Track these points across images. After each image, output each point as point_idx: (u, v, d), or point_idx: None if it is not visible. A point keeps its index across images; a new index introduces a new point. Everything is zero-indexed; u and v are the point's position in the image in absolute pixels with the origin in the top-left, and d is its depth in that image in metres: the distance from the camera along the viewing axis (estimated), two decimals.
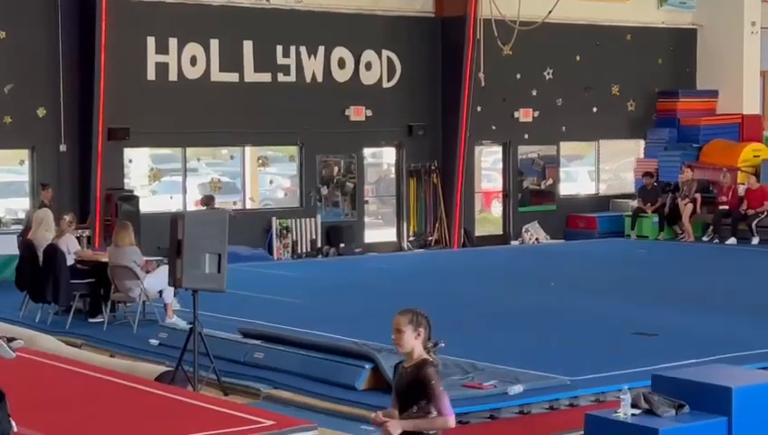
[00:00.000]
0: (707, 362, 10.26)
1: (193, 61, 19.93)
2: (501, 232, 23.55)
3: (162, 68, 19.67)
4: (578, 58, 24.17)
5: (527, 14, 21.33)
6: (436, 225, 22.50)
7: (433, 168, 22.46)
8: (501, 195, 23.79)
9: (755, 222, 21.82)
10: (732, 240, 21.95)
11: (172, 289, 12.44)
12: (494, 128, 23.20)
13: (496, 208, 23.99)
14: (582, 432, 7.85)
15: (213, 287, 10.11)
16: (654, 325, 12.99)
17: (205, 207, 17.52)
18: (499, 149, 23.73)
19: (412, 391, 5.87)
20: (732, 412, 7.45)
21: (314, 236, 21.12)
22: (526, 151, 23.91)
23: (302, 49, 21.02)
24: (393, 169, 22.63)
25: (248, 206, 20.91)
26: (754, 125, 24.99)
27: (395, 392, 6.02)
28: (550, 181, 24.17)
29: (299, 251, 20.91)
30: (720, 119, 24.96)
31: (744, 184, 22.68)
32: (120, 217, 17.67)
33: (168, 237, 10.30)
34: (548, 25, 21.85)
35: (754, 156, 23.79)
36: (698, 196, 22.72)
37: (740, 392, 7.50)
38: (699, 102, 25.33)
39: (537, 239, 23.37)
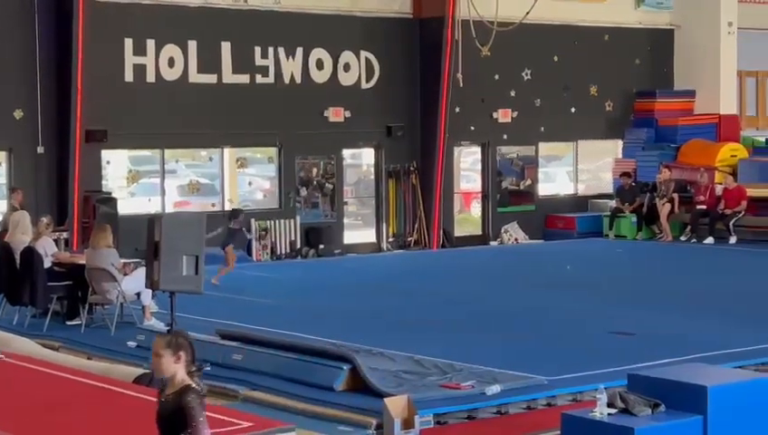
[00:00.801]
0: (683, 361, 10.31)
1: (171, 62, 19.89)
2: (480, 232, 23.58)
3: (140, 70, 19.62)
4: (556, 59, 24.23)
5: (505, 14, 21.38)
6: (416, 225, 22.52)
7: (412, 168, 22.48)
8: (480, 195, 23.83)
9: (733, 221, 21.93)
10: (709, 240, 22.05)
11: (150, 291, 12.40)
12: (472, 128, 23.24)
13: (475, 209, 24.02)
14: (559, 432, 7.88)
15: (190, 289, 10.10)
16: (631, 325, 13.05)
17: (231, 221, 17.44)
18: (478, 149, 23.77)
19: (174, 420, 5.41)
20: (707, 411, 7.48)
21: (293, 238, 21.11)
22: (505, 152, 23.96)
23: (281, 50, 21.01)
24: (372, 170, 22.64)
25: (227, 207, 20.85)
26: (731, 125, 25.11)
27: (156, 422, 5.55)
28: (529, 182, 24.23)
29: (278, 252, 20.89)
30: (697, 119, 25.07)
31: (721, 184, 22.78)
32: (97, 219, 17.61)
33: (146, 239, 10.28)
34: (526, 26, 21.91)
35: (732, 156, 23.90)
36: (676, 195, 22.82)
37: (715, 391, 7.54)
38: (677, 103, 25.44)
39: (516, 240, 23.42)
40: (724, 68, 25.14)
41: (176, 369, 5.47)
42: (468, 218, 24.05)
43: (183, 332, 5.74)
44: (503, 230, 23.45)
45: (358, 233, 22.44)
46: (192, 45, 20.05)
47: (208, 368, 5.58)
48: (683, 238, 22.60)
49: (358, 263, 20.39)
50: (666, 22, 25.90)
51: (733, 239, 21.81)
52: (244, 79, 20.63)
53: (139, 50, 19.59)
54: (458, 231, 23.33)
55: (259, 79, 20.80)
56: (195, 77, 20.13)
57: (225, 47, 20.39)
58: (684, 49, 25.64)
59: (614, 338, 12.39)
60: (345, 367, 9.92)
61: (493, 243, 23.29)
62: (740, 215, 21.99)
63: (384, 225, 22.40)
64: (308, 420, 9.21)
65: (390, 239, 22.40)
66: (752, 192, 22.22)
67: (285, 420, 8.35)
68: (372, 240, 22.39)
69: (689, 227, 22.65)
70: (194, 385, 5.46)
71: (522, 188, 24.16)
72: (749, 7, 26.59)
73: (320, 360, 10.25)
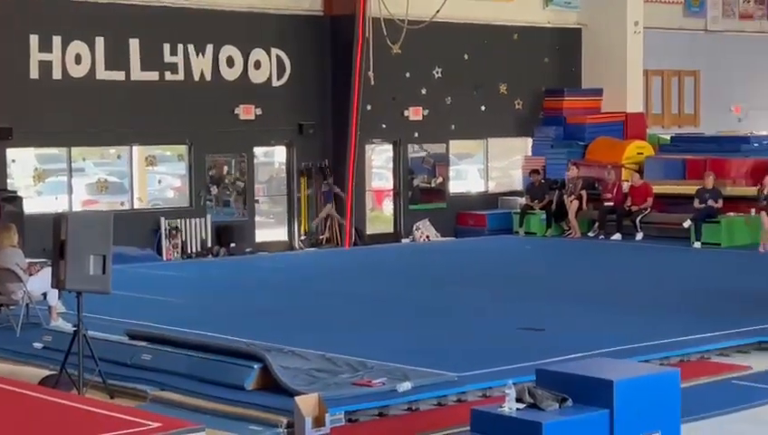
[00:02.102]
0: (591, 356, 10.45)
1: (78, 59, 19.60)
2: (392, 230, 23.66)
3: (46, 66, 19.30)
4: (466, 57, 24.41)
5: (415, 13, 21.48)
6: (328, 224, 22.50)
7: (324, 166, 22.46)
8: (392, 193, 23.90)
9: (639, 218, 22.30)
10: (617, 236, 22.39)
11: (56, 291, 12.21)
12: (384, 126, 23.31)
13: (387, 207, 24.09)
14: (469, 428, 7.93)
15: (97, 289, 9.95)
16: (540, 321, 13.20)
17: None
18: (389, 147, 23.84)
19: None
20: (614, 405, 7.59)
21: (204, 236, 20.96)
22: (417, 150, 24.06)
23: (190, 47, 20.83)
24: (284, 168, 22.57)
25: (136, 206, 20.64)
26: (638, 123, 25.55)
27: None
28: (440, 179, 24.37)
29: (189, 251, 20.72)
30: (605, 117, 25.46)
31: (628, 181, 23.13)
32: (2, 218, 17.28)
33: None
34: (436, 24, 22.04)
35: (638, 153, 24.30)
36: (584, 193, 23.14)
37: (621, 385, 7.65)
38: (584, 101, 25.80)
39: (428, 237, 23.54)
40: (631, 67, 25.57)
41: None
42: (380, 216, 24.11)
43: None
44: (414, 228, 23.56)
45: (270, 231, 22.36)
46: (99, 42, 19.79)
47: None
48: (591, 235, 22.92)
49: (269, 261, 20.32)
50: (573, 21, 26.25)
51: (639, 236, 22.17)
52: (153, 76, 20.41)
53: (45, 46, 19.27)
54: (370, 229, 23.38)
55: (168, 76, 20.60)
56: (102, 74, 19.87)
57: (134, 44, 20.15)
58: (591, 48, 26.02)
59: (523, 334, 12.51)
60: (256, 366, 9.87)
61: (405, 240, 23.38)
62: (646, 212, 22.36)
63: (296, 223, 22.35)
64: (218, 419, 9.15)
65: (302, 237, 22.36)
66: (658, 189, 22.62)
67: (195, 420, 8.27)
68: (284, 238, 22.33)
69: (597, 224, 22.98)
70: None
71: (433, 185, 24.29)
72: (655, 7, 27.09)
73: (230, 359, 10.18)
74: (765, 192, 20.34)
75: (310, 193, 22.26)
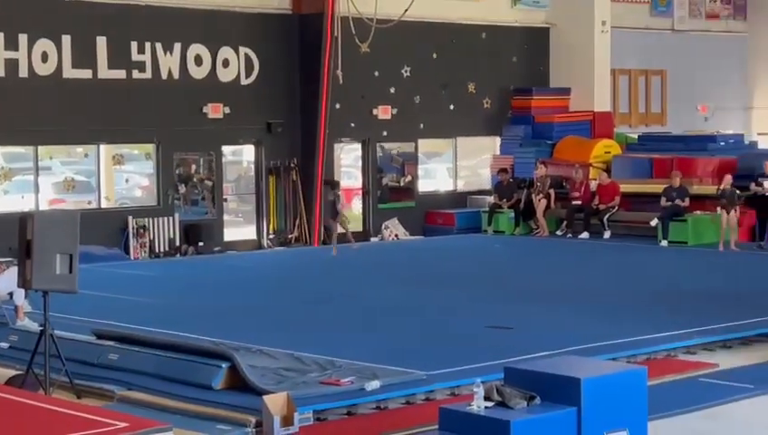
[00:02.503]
0: (559, 354, 10.50)
1: (44, 57, 19.48)
2: (361, 229, 23.65)
3: (12, 64, 19.17)
4: (434, 56, 24.45)
5: (384, 12, 21.46)
6: (297, 222, 22.47)
7: (293, 165, 22.43)
8: (361, 192, 23.90)
9: (607, 217, 22.39)
10: (585, 234, 22.48)
11: (23, 291, 12.11)
12: (352, 125, 23.30)
13: (356, 205, 24.08)
14: (437, 426, 7.94)
15: (64, 288, 9.90)
16: (509, 319, 13.24)
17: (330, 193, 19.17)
18: (358, 146, 23.84)
19: None
20: (581, 402, 7.62)
21: (172, 235, 20.87)
22: (386, 149, 24.07)
23: (158, 45, 20.75)
24: (253, 167, 22.51)
25: (103, 205, 20.53)
26: (605, 122, 25.66)
27: None
28: (409, 178, 24.40)
29: (156, 250, 20.63)
30: (572, 116, 25.56)
31: (595, 180, 23.23)
32: None
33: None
34: (405, 23, 22.03)
35: (606, 152, 24.42)
36: (552, 191, 23.22)
37: (589, 383, 7.68)
38: (552, 100, 25.89)
39: (396, 236, 23.56)
40: (598, 66, 25.68)
41: None
42: (349, 215, 24.07)
43: None
44: (383, 226, 23.58)
45: (238, 230, 22.31)
46: (66, 40, 19.67)
47: None
48: (559, 233, 23.00)
49: (238, 260, 20.26)
50: (541, 20, 26.34)
51: (607, 234, 22.27)
52: (120, 74, 20.31)
53: (11, 44, 19.14)
54: (339, 228, 23.33)
55: (136, 74, 20.51)
56: (69, 72, 19.75)
57: (101, 42, 20.05)
58: (559, 47, 26.12)
59: (492, 332, 12.54)
60: (224, 365, 9.84)
61: (373, 239, 23.39)
62: (614, 210, 22.47)
63: (265, 222, 22.30)
64: (186, 419, 9.11)
65: (271, 236, 22.32)
66: (625, 188, 22.72)
67: (163, 420, 8.24)
68: (253, 237, 22.28)
69: (565, 223, 23.07)
70: None
71: (402, 184, 24.31)
72: (622, 7, 27.23)
73: (198, 358, 10.14)
74: (722, 189, 20.47)
75: (279, 191, 22.24)
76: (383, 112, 23.76)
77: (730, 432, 9.15)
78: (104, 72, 20.11)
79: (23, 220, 9.98)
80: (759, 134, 29.30)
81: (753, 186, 20.53)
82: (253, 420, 8.94)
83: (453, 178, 25.42)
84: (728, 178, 20.62)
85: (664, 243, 21.13)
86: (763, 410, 9.70)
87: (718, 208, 20.35)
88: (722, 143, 24.45)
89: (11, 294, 12.89)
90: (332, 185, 20.03)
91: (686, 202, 21.38)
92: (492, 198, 24.21)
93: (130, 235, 20.32)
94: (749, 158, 22.74)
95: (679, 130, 26.88)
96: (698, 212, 21.34)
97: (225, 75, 21.62)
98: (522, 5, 26.03)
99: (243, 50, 21.82)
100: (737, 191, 20.56)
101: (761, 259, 18.82)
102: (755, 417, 9.52)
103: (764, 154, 23.43)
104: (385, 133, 23.85)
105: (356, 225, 23.73)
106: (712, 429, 9.19)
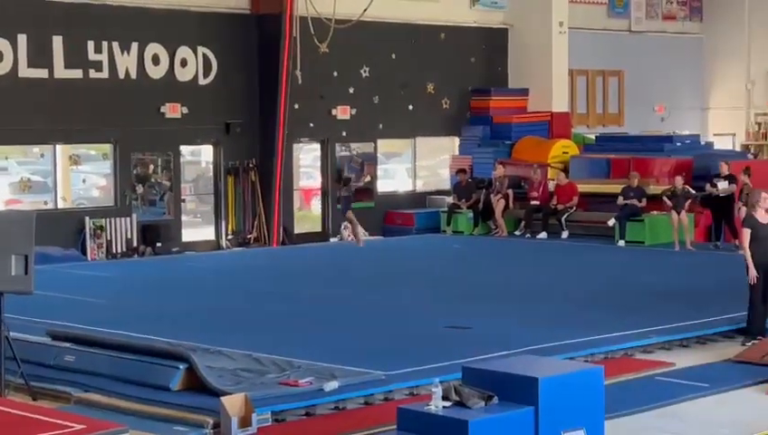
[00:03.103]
0: (517, 353, 10.54)
1: None
2: (320, 229, 23.63)
3: None
4: (393, 56, 24.47)
5: (343, 12, 21.43)
6: (255, 223, 22.41)
7: (251, 165, 22.37)
8: (320, 192, 23.87)
9: (565, 217, 22.51)
10: (543, 234, 22.59)
11: None
12: (312, 125, 23.27)
13: (315, 206, 24.06)
14: (395, 426, 7.95)
15: (20, 289, 9.80)
16: (467, 319, 13.27)
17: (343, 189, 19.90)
18: (317, 146, 23.81)
19: None
20: (539, 402, 7.66)
21: (130, 236, 20.74)
22: (345, 149, 24.06)
23: (115, 45, 20.61)
24: (211, 167, 22.42)
25: (60, 205, 20.37)
26: (563, 122, 25.81)
27: None
28: (368, 178, 24.40)
29: (114, 251, 20.49)
30: (531, 116, 25.68)
31: (553, 180, 23.36)
32: None
33: None
34: (364, 24, 22.03)
35: (563, 152, 24.57)
36: (510, 192, 23.31)
37: (546, 382, 7.72)
38: (511, 100, 26.00)
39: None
40: (556, 67, 25.81)
41: None
42: (308, 215, 24.07)
43: None
44: (342, 227, 23.54)
45: (197, 231, 22.21)
46: (22, 39, 19.49)
47: None
48: (517, 233, 23.09)
49: (196, 261, 20.17)
50: (499, 21, 26.44)
51: (565, 234, 22.39)
52: (77, 74, 20.16)
53: None
54: (298, 228, 23.33)
55: (93, 74, 20.35)
56: (25, 71, 19.58)
57: (57, 41, 19.88)
58: (517, 48, 26.24)
59: (450, 332, 12.56)
60: (181, 366, 9.80)
61: (333, 239, 23.36)
62: (571, 210, 22.59)
63: (223, 222, 22.22)
64: (143, 420, 9.07)
65: (230, 237, 22.24)
66: (583, 188, 22.86)
67: (120, 421, 8.20)
68: (211, 238, 22.19)
69: (523, 223, 23.16)
70: None
71: (361, 184, 24.30)
72: (579, 8, 27.40)
73: (155, 359, 10.09)
74: (671, 189, 20.64)
75: (237, 192, 22.19)
76: (342, 113, 23.75)
77: (686, 431, 9.22)
78: (61, 72, 19.95)
79: None
80: (715, 135, 29.62)
81: (708, 186, 20.71)
82: (210, 421, 8.91)
83: (412, 179, 25.46)
84: (679, 179, 20.81)
85: (621, 243, 21.27)
86: (719, 409, 9.79)
87: (670, 210, 20.49)
88: (678, 144, 24.66)
89: None
90: (345, 181, 20.61)
91: (644, 202, 21.53)
92: (451, 198, 24.27)
93: (87, 235, 20.17)
94: (705, 158, 22.94)
95: (636, 131, 27.08)
96: (655, 212, 21.50)
97: (183, 75, 21.52)
98: (480, 6, 26.11)
99: (201, 50, 21.73)
100: (691, 191, 20.75)
101: (716, 259, 19.00)
102: (711, 415, 9.61)
103: (720, 155, 23.67)
104: (344, 133, 23.84)
105: (315, 225, 23.73)
106: (668, 427, 9.26)
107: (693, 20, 30.73)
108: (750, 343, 11.91)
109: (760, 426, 9.19)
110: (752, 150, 28.43)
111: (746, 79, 30.19)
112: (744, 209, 16.68)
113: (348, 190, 20.40)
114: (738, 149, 29.06)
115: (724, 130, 30.24)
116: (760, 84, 30.04)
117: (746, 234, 12.27)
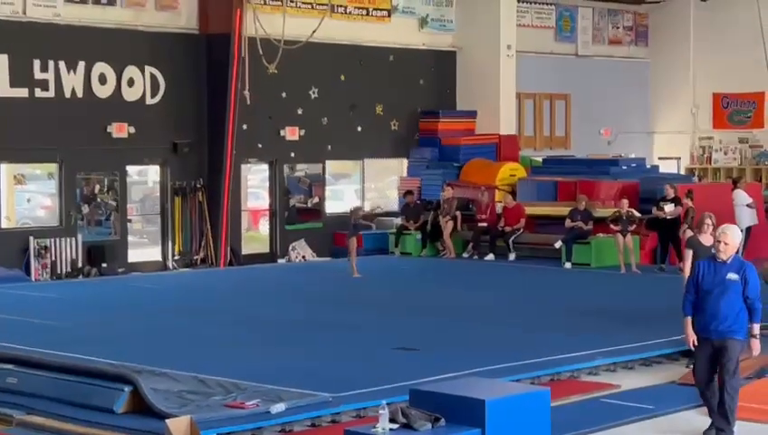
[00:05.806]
0: (464, 375, 10.55)
1: None
2: (268, 250, 23.55)
3: None
4: (342, 78, 24.51)
5: (292, 33, 21.50)
6: (203, 243, 22.29)
7: (199, 186, 22.26)
8: (268, 213, 23.80)
9: (512, 239, 22.61)
10: (490, 256, 22.68)
11: None
12: (260, 146, 23.22)
13: (263, 227, 23.97)
14: None
15: None
16: (415, 341, 13.27)
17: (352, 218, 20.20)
18: (266, 167, 23.76)
19: None
20: (485, 424, 7.67)
21: (75, 256, 20.53)
22: (293, 170, 24.02)
23: (62, 64, 20.44)
24: (158, 187, 22.28)
25: (4, 225, 20.13)
26: (511, 145, 25.97)
27: None
28: (316, 199, 24.37)
29: (58, 271, 20.27)
30: (479, 139, 25.81)
31: (501, 202, 23.46)
32: None
33: None
34: (312, 45, 22.08)
35: (511, 175, 24.69)
36: (459, 213, 23.37)
37: (492, 404, 7.74)
38: (459, 123, 26.12)
39: (304, 257, 23.50)
40: (504, 89, 25.99)
41: None
42: (256, 236, 23.98)
43: None
44: (290, 248, 23.50)
45: (143, 251, 22.04)
46: None
47: None
48: (465, 255, 23.17)
49: (142, 281, 19.99)
50: (448, 44, 26.58)
51: (512, 256, 22.49)
52: (22, 93, 19.96)
53: None
54: (246, 249, 23.24)
55: (38, 93, 20.17)
56: None
57: (2, 60, 19.69)
58: (466, 70, 26.38)
59: (398, 354, 12.56)
60: (126, 388, 9.69)
61: (281, 260, 23.29)
62: (519, 232, 22.70)
63: (170, 243, 22.07)
64: None
65: (176, 257, 22.10)
66: (530, 210, 23.00)
67: None
68: (158, 258, 22.03)
69: (471, 244, 23.24)
70: None
71: (309, 205, 24.27)
72: (527, 32, 27.62)
73: (99, 381, 9.97)
74: (616, 213, 20.82)
75: (184, 212, 22.06)
76: (291, 133, 23.72)
77: None
78: (5, 91, 19.76)
79: None
80: (660, 158, 29.94)
81: (654, 210, 20.91)
82: None
83: (361, 200, 25.46)
84: (624, 202, 21.01)
85: (568, 265, 21.41)
86: (664, 431, 9.86)
87: (615, 233, 20.66)
88: (624, 167, 24.88)
89: None
90: (355, 210, 20.82)
91: (590, 225, 21.68)
92: (399, 219, 24.29)
93: (32, 255, 19.94)
94: (650, 181, 23.17)
95: (583, 154, 27.29)
96: (601, 235, 21.67)
97: (131, 94, 21.39)
98: (429, 29, 26.24)
99: (148, 69, 21.62)
100: (636, 214, 20.94)
101: (661, 281, 19.16)
102: None
103: (665, 178, 23.92)
104: (293, 154, 23.80)
105: (262, 246, 23.65)
106: None
107: (639, 45, 31.10)
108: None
109: None
110: (696, 174, 28.80)
111: (691, 103, 30.59)
112: (688, 231, 16.90)
113: (355, 218, 20.36)
114: (683, 172, 29.40)
115: (669, 153, 30.58)
116: (704, 109, 30.44)
117: (688, 255, 12.45)
